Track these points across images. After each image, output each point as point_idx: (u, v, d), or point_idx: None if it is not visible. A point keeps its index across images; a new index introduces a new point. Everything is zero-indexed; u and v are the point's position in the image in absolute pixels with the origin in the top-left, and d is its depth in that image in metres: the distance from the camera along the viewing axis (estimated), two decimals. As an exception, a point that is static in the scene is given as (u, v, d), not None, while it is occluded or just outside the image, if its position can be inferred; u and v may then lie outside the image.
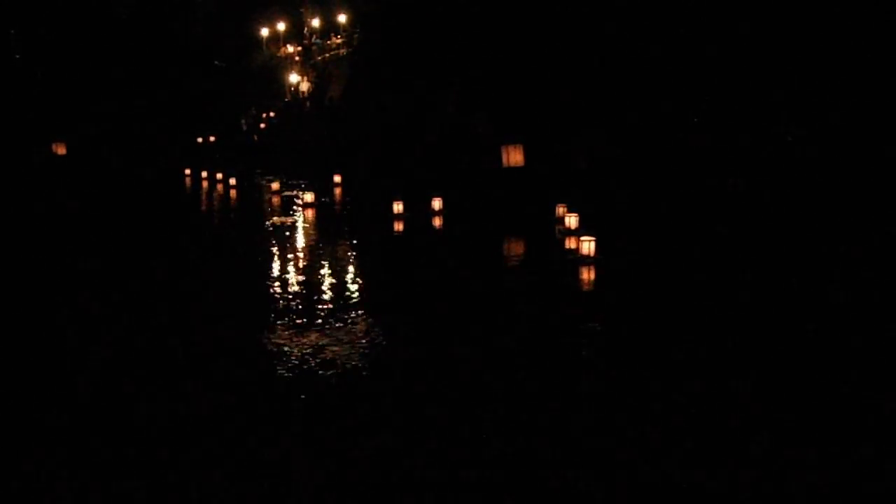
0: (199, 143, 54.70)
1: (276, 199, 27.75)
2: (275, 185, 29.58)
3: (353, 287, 13.54)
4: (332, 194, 28.62)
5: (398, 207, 21.25)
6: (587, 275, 13.96)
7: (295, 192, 29.06)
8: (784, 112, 24.53)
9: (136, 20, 55.03)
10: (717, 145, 25.23)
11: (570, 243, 17.15)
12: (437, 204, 22.06)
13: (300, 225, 21.65)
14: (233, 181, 32.32)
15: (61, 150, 45.03)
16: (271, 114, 59.80)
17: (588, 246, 14.64)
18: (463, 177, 29.04)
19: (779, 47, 24.30)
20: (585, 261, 14.55)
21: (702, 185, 23.45)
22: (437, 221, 21.25)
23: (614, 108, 28.15)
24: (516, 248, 17.63)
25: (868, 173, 20.57)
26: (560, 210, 19.57)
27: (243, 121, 58.61)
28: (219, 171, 34.89)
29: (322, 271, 14.98)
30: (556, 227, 18.79)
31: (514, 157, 29.57)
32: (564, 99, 29.51)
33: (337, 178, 31.47)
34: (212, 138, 55.57)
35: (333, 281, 14.01)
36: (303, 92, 57.82)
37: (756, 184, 22.39)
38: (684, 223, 19.45)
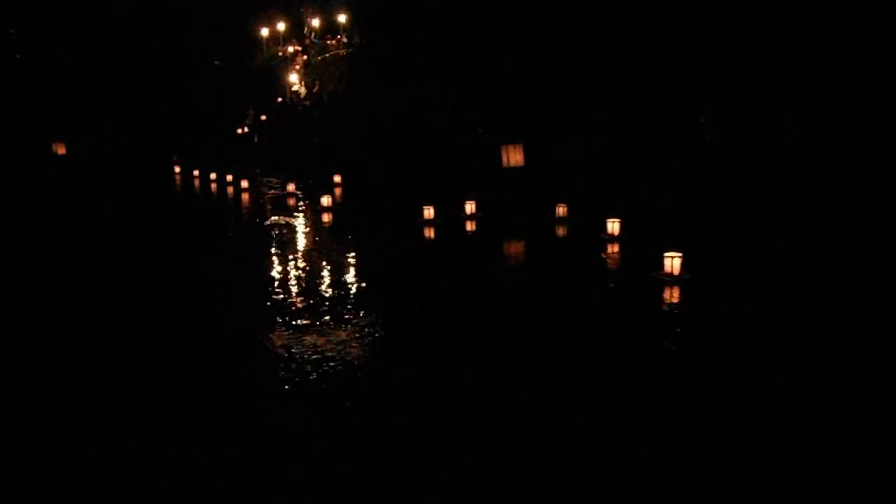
0: (199, 143, 51.67)
1: (290, 201, 24.99)
2: (291, 187, 26.75)
3: (427, 299, 11.44)
4: (333, 195, 25.82)
5: (429, 212, 18.59)
6: (677, 298, 11.33)
7: (302, 193, 26.34)
8: (786, 114, 22.57)
9: (137, 20, 52.12)
10: (727, 146, 23.40)
11: (613, 249, 15.30)
12: (469, 207, 19.48)
13: (335, 233, 18.94)
14: (245, 184, 29.48)
15: (61, 150, 42.53)
16: (263, 118, 56.85)
17: (671, 263, 12.03)
18: (469, 177, 26.59)
19: (779, 50, 22.31)
20: (669, 280, 11.94)
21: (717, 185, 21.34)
22: (470, 226, 18.66)
23: (617, 107, 26.09)
24: (571, 262, 14.54)
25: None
26: (560, 210, 18.43)
27: (247, 121, 55.68)
28: (227, 173, 32.11)
29: (380, 280, 12.59)
30: (599, 234, 16.31)
31: (514, 157, 28.04)
32: (565, 99, 27.42)
33: (337, 178, 28.99)
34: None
35: (399, 292, 11.94)
36: (302, 92, 55.08)
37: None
38: (722, 228, 17.00)
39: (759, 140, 23.10)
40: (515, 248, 16.27)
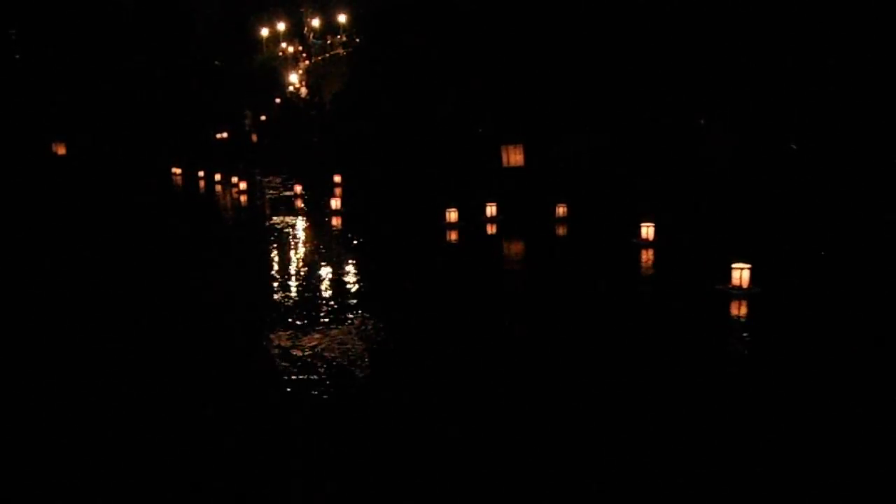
0: (198, 143, 49.92)
1: (298, 203, 23.31)
2: (298, 188, 25.11)
3: (490, 311, 9.98)
4: (333, 195, 24.22)
5: (452, 215, 17.00)
6: (752, 315, 9.70)
7: (307, 194, 24.68)
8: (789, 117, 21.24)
9: (137, 20, 50.30)
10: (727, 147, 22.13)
11: (647, 256, 13.83)
12: (490, 210, 17.90)
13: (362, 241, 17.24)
14: (244, 185, 27.79)
15: (61, 150, 40.86)
16: (263, 118, 55.19)
17: (740, 275, 10.43)
18: (469, 178, 25.31)
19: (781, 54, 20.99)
20: (738, 294, 10.32)
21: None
22: (492, 229, 17.10)
23: (617, 108, 24.77)
24: (621, 273, 12.70)
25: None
26: (560, 210, 17.57)
27: (247, 121, 54.01)
28: (225, 174, 30.46)
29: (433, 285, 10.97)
30: (632, 239, 14.78)
31: (514, 157, 27.15)
32: (565, 99, 26.31)
33: (337, 178, 27.49)
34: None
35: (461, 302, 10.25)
36: (302, 92, 53.51)
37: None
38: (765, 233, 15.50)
39: (762, 140, 21.82)
40: (553, 256, 14.63)
